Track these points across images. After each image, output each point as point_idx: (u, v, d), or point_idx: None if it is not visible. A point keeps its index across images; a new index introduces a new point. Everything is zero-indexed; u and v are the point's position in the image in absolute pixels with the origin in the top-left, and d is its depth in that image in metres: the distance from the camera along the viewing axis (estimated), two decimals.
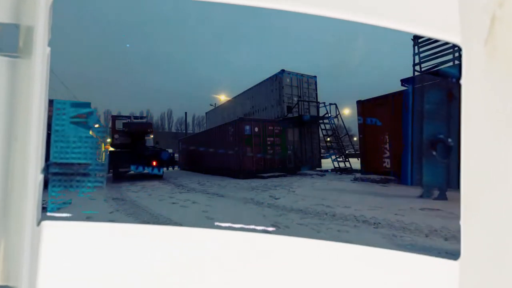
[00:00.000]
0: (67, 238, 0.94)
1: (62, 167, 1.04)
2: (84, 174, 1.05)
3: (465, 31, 0.84)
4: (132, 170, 9.59)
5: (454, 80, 5.99)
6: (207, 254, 0.96)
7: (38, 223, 0.88)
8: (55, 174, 1.03)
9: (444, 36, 0.89)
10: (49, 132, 0.95)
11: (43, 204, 0.91)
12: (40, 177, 0.87)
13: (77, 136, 1.02)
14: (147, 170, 9.99)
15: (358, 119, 8.34)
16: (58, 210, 1.04)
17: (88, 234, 0.96)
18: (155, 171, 9.89)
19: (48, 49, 0.87)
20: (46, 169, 0.91)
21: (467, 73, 0.83)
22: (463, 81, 0.83)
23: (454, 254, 2.50)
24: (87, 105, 1.06)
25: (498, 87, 0.78)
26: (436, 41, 7.85)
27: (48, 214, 0.97)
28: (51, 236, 0.91)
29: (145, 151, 11.48)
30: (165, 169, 11.76)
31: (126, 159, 10.99)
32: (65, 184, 1.05)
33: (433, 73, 7.40)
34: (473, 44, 0.82)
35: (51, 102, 0.96)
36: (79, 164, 1.05)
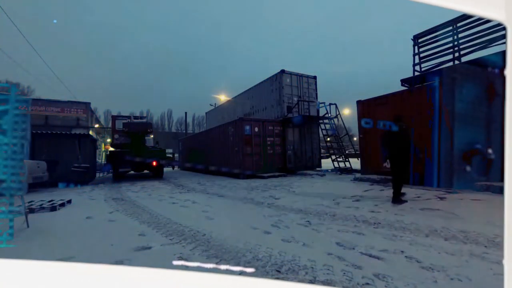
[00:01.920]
0: None
1: None
2: None
3: (511, 4, 0.63)
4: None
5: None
6: None
7: None
8: None
9: (483, 11, 0.67)
10: None
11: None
12: None
13: None
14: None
15: (367, 121, 7.90)
16: None
17: (15, 276, 0.72)
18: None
19: None
20: None
21: None
22: (508, 72, 0.63)
23: (453, 254, 2.47)
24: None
25: None
26: (436, 40, 7.82)
27: None
28: None
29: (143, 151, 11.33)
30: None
31: (126, 159, 10.98)
32: None
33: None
34: None
35: None
36: None
